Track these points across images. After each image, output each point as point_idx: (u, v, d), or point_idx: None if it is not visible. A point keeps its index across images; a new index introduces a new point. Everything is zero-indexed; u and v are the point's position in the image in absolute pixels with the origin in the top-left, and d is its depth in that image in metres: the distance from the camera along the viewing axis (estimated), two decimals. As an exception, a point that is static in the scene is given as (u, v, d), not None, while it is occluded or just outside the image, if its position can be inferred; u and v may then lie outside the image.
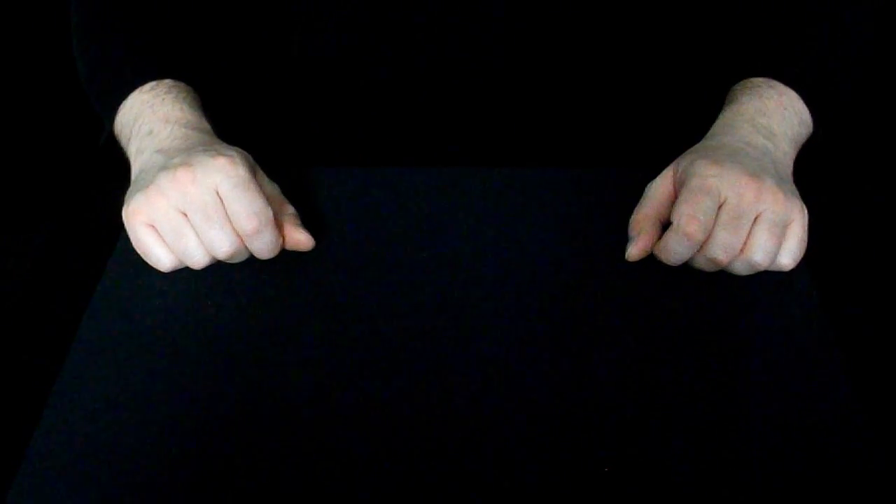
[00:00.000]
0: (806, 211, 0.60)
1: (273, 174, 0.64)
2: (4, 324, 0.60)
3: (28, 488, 0.49)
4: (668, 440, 0.51)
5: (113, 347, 0.57)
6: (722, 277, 0.61)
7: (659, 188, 0.64)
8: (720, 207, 0.59)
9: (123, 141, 0.67)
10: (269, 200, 0.60)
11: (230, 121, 0.70)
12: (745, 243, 0.59)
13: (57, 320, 0.60)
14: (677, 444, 0.51)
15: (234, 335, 0.58)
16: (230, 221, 0.59)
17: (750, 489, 0.49)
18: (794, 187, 0.63)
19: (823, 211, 0.63)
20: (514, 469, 0.50)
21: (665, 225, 0.62)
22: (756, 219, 0.59)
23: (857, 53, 0.74)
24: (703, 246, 0.59)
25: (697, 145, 0.65)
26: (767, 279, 0.61)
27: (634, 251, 0.62)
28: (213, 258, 0.60)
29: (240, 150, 0.62)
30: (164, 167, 0.59)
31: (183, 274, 0.61)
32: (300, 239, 0.62)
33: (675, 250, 0.60)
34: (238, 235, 0.59)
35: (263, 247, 0.60)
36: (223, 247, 0.59)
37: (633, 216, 0.64)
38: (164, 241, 0.59)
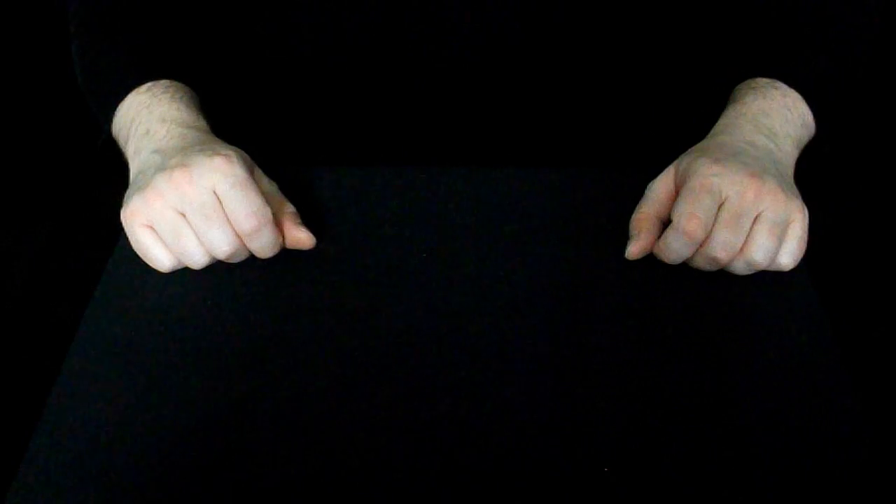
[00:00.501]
0: (806, 211, 0.60)
1: (273, 174, 0.64)
2: (4, 324, 0.60)
3: (28, 488, 0.49)
4: (667, 440, 0.51)
5: (113, 347, 0.57)
6: (722, 277, 0.61)
7: (660, 187, 0.64)
8: (720, 206, 0.59)
9: (121, 143, 0.67)
10: (267, 199, 0.60)
11: (230, 121, 0.70)
12: (744, 243, 0.59)
13: (57, 320, 0.60)
14: (677, 443, 0.51)
15: (234, 335, 0.58)
16: (229, 221, 0.59)
17: (750, 489, 0.49)
18: (794, 187, 0.63)
19: (823, 211, 0.63)
20: (513, 469, 0.50)
21: (665, 224, 0.62)
22: (756, 218, 0.59)
23: (859, 54, 0.74)
24: (702, 245, 0.59)
25: (699, 144, 0.65)
26: (767, 279, 0.61)
27: (634, 250, 0.62)
28: (213, 258, 0.60)
29: (237, 148, 0.62)
30: (161, 168, 0.59)
31: (183, 274, 0.61)
32: (301, 237, 0.62)
33: (674, 248, 0.60)
34: (237, 235, 0.59)
35: (263, 246, 0.60)
36: (222, 246, 0.59)
37: (633, 215, 0.64)
38: (162, 241, 0.59)
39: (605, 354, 0.56)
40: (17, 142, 1.12)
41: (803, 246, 0.60)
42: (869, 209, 0.71)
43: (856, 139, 0.96)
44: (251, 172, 0.61)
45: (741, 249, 0.59)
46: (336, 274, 0.62)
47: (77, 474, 0.49)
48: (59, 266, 0.66)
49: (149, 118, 0.65)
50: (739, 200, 0.58)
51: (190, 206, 0.58)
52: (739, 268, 0.60)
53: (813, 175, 0.67)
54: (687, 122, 0.72)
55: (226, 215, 0.58)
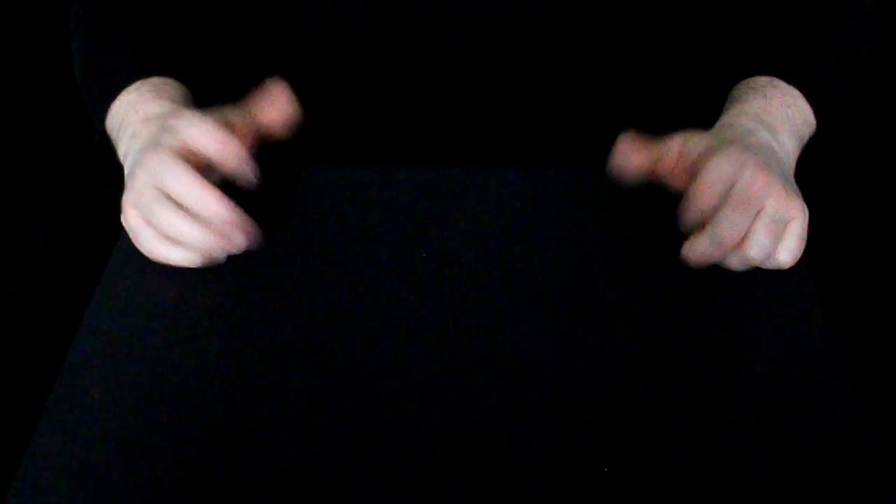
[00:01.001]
0: (807, 211, 0.60)
1: (273, 174, 0.64)
2: (4, 324, 0.60)
3: (28, 488, 0.49)
4: (668, 440, 0.51)
5: (113, 347, 0.57)
6: (722, 277, 0.61)
7: (668, 145, 0.63)
8: (732, 187, 0.58)
9: (115, 144, 0.68)
10: (227, 124, 0.61)
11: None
12: (743, 237, 0.59)
13: (57, 320, 0.60)
14: (677, 443, 0.51)
15: (234, 335, 0.58)
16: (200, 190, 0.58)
17: (750, 488, 0.49)
18: (795, 186, 0.63)
19: (823, 211, 0.63)
20: (513, 469, 0.50)
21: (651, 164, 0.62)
22: (758, 214, 0.59)
23: (858, 52, 0.74)
24: (710, 224, 0.59)
25: (712, 131, 0.65)
26: (767, 279, 0.61)
27: (622, 144, 0.62)
28: (204, 232, 0.59)
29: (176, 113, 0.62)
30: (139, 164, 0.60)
31: (183, 274, 0.61)
32: (274, 99, 0.63)
33: (700, 191, 0.58)
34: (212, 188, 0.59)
35: (235, 158, 0.60)
36: (207, 205, 0.58)
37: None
38: (150, 224, 0.59)
39: (605, 354, 0.56)
40: (16, 142, 1.12)
41: (802, 244, 0.60)
42: (869, 208, 0.71)
43: (856, 137, 0.96)
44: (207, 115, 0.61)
45: (740, 243, 0.59)
46: (336, 274, 0.62)
47: (77, 474, 0.49)
48: (59, 266, 0.66)
49: (135, 119, 0.65)
50: (750, 187, 0.58)
51: (159, 175, 0.58)
52: (734, 262, 0.60)
53: (813, 173, 0.67)
54: (687, 121, 0.72)
55: (195, 171, 0.58)
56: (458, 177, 0.70)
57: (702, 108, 0.72)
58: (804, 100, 0.68)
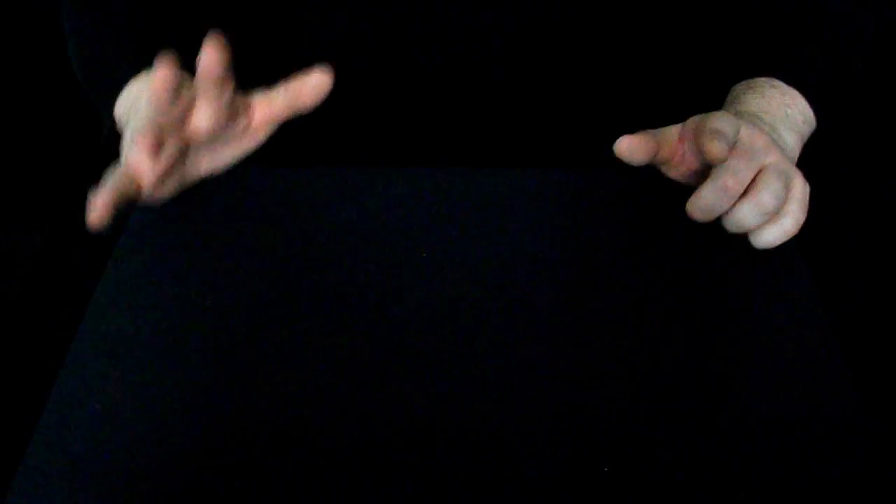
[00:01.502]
0: (807, 183, 0.60)
1: (273, 174, 0.64)
2: (4, 324, 0.60)
3: (28, 488, 0.49)
4: (667, 439, 0.51)
5: (113, 347, 0.57)
6: (721, 276, 0.61)
7: (668, 132, 0.63)
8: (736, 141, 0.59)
9: (122, 132, 0.67)
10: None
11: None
12: (752, 185, 0.58)
13: (57, 320, 0.60)
14: (677, 442, 0.51)
15: (234, 335, 0.58)
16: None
17: (750, 488, 0.49)
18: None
19: (823, 207, 0.63)
20: (513, 469, 0.50)
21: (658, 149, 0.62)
22: (763, 168, 0.58)
23: (858, 51, 0.74)
24: (715, 174, 0.58)
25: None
26: (767, 277, 0.61)
27: (625, 141, 0.61)
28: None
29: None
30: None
31: (183, 274, 0.61)
32: (311, 81, 0.62)
33: (717, 126, 0.58)
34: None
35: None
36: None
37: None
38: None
39: (605, 353, 0.56)
40: (17, 142, 1.12)
41: (805, 210, 0.60)
42: (869, 206, 0.71)
43: (856, 136, 0.96)
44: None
45: (748, 193, 0.58)
46: (336, 274, 0.62)
47: (77, 474, 0.49)
48: (59, 266, 0.66)
49: (143, 90, 0.65)
50: (752, 141, 0.58)
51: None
52: (748, 214, 0.59)
53: (813, 171, 0.67)
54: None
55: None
56: (458, 177, 0.70)
57: (701, 108, 0.72)
58: (803, 99, 0.68)
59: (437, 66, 0.78)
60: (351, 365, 0.55)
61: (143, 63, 0.69)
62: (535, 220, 0.66)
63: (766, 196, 0.58)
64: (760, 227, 0.59)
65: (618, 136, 0.83)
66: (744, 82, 0.70)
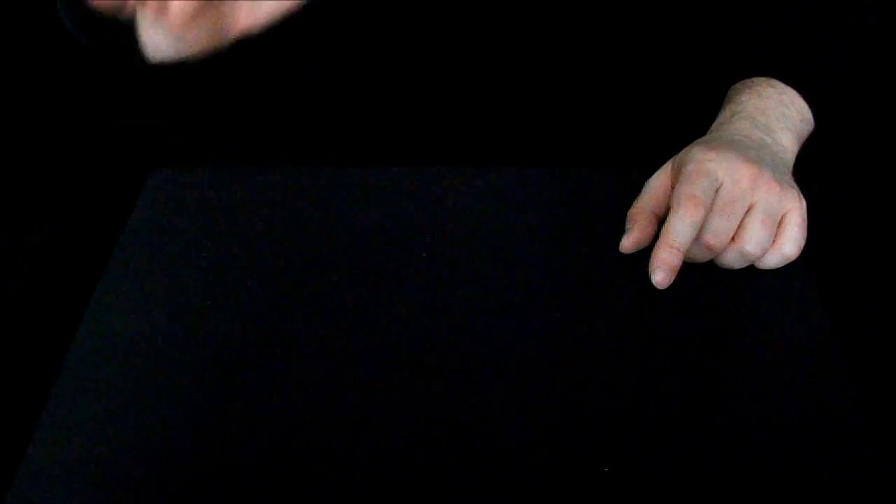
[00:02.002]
0: (804, 201, 0.60)
1: (273, 174, 0.64)
2: (4, 324, 0.60)
3: (28, 488, 0.49)
4: (668, 439, 0.51)
5: (113, 347, 0.57)
6: (721, 276, 0.61)
7: (656, 183, 0.64)
8: (716, 192, 0.59)
9: None
10: None
11: (229, 121, 0.70)
12: (737, 233, 0.59)
13: (57, 320, 0.60)
14: (677, 443, 0.51)
15: (234, 335, 0.58)
16: None
17: (751, 488, 0.49)
18: (791, 179, 0.63)
19: (824, 209, 0.63)
20: (513, 469, 0.50)
21: (661, 220, 0.62)
22: (750, 208, 0.59)
23: (857, 50, 0.74)
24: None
25: (697, 140, 0.65)
26: (767, 278, 0.61)
27: (628, 242, 0.62)
28: None
29: None
30: None
31: (183, 274, 0.61)
32: None
33: (678, 230, 0.59)
34: None
35: None
36: None
37: (629, 210, 0.64)
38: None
39: (605, 354, 0.56)
40: (17, 142, 1.12)
41: (804, 233, 0.60)
42: (869, 208, 0.71)
43: (856, 138, 0.96)
44: None
45: (734, 239, 0.59)
46: (336, 274, 0.62)
47: (77, 474, 0.49)
48: (59, 266, 0.66)
49: None
50: (734, 187, 0.59)
51: None
52: (732, 259, 0.60)
53: (813, 173, 0.67)
54: (686, 122, 0.72)
55: None
56: (458, 177, 0.70)
57: (700, 108, 0.72)
58: (801, 98, 0.68)
59: (438, 66, 0.78)
60: (351, 365, 0.55)
61: None
62: (536, 220, 0.66)
63: (749, 247, 0.59)
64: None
65: (617, 136, 0.83)
66: (741, 82, 0.70)
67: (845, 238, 0.67)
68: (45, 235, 0.67)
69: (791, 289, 0.61)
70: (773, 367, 0.55)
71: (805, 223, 0.60)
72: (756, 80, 0.69)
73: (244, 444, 0.51)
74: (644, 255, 0.61)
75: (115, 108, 0.97)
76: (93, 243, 0.65)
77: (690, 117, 0.72)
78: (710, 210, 0.59)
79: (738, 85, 0.70)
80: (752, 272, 0.61)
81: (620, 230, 0.64)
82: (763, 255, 0.60)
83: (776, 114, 0.67)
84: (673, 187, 0.62)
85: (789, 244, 0.60)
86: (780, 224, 0.60)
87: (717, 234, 0.58)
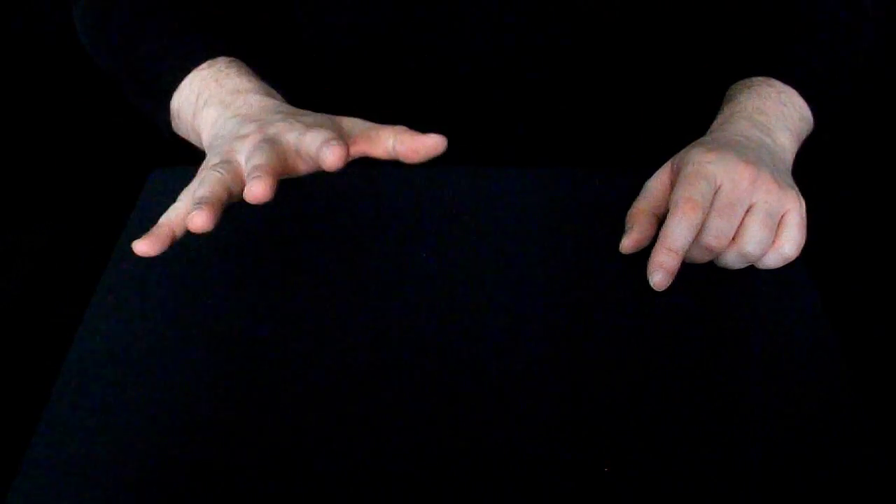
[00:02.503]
0: (803, 201, 0.60)
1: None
2: (4, 324, 0.60)
3: (28, 488, 0.49)
4: (668, 440, 0.51)
5: (113, 347, 0.57)
6: (722, 277, 0.61)
7: (656, 183, 0.64)
8: (715, 193, 0.59)
9: (185, 118, 0.67)
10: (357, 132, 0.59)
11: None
12: (737, 233, 0.59)
13: (57, 320, 0.60)
14: (677, 443, 0.51)
15: (234, 335, 0.58)
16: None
17: (750, 489, 0.49)
18: (791, 179, 0.63)
19: (824, 210, 0.63)
20: (514, 469, 0.50)
21: (661, 220, 0.62)
22: (749, 209, 0.59)
23: (857, 50, 0.74)
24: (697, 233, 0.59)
25: (696, 141, 0.65)
26: (767, 279, 0.61)
27: (628, 243, 0.62)
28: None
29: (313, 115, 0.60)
30: (238, 134, 0.58)
31: (183, 274, 0.61)
32: (427, 142, 0.58)
33: (676, 233, 0.59)
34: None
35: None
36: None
37: (629, 210, 0.64)
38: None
39: (605, 354, 0.56)
40: (19, 141, 1.12)
41: (803, 233, 0.60)
42: (869, 208, 0.71)
43: (856, 138, 0.96)
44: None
45: (734, 240, 0.59)
46: (336, 274, 0.62)
47: (77, 474, 0.49)
48: (59, 266, 0.66)
49: (219, 90, 0.64)
50: (733, 188, 0.59)
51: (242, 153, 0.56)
52: (732, 259, 0.60)
53: (812, 171, 0.67)
54: (686, 122, 0.72)
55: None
56: (458, 177, 0.70)
57: (701, 107, 0.72)
58: (800, 97, 0.68)
59: (438, 66, 0.78)
60: (351, 365, 0.55)
61: (196, 52, 0.68)
62: (536, 220, 0.66)
63: (749, 248, 0.59)
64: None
65: (617, 136, 0.83)
66: (740, 81, 0.70)
67: (845, 238, 0.67)
68: (45, 236, 0.67)
69: (790, 289, 0.61)
70: (773, 367, 0.55)
71: (804, 223, 0.60)
72: (755, 79, 0.70)
73: (244, 445, 0.51)
74: (644, 255, 0.61)
75: (115, 108, 0.97)
76: (93, 243, 0.65)
77: (690, 117, 0.72)
78: (708, 212, 0.59)
79: (737, 84, 0.70)
80: (751, 272, 0.61)
81: (620, 230, 0.64)
82: (763, 255, 0.60)
83: (775, 113, 0.67)
84: (672, 188, 0.62)
85: (789, 244, 0.60)
86: (779, 224, 0.60)
87: (717, 235, 0.58)
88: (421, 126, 0.81)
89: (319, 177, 0.71)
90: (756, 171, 0.59)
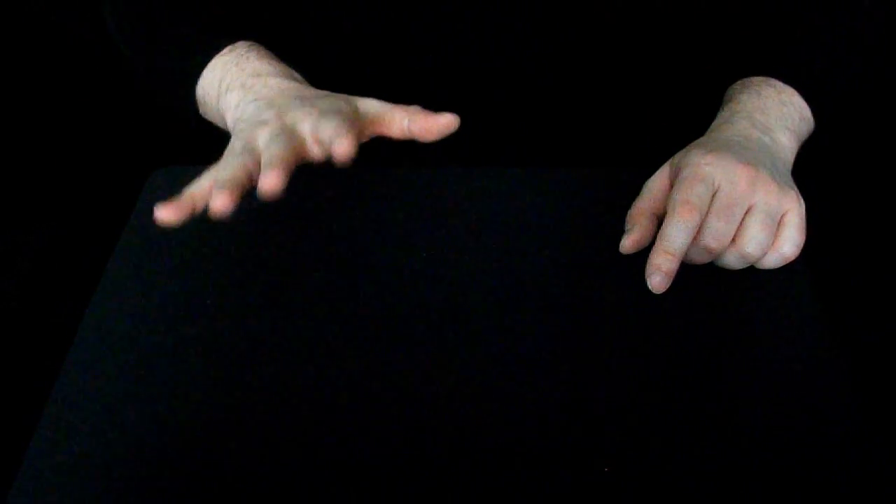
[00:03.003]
0: (802, 201, 0.60)
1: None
2: (4, 324, 0.60)
3: (28, 488, 0.49)
4: (668, 440, 0.51)
5: (113, 347, 0.57)
6: (721, 277, 0.61)
7: (655, 184, 0.64)
8: (713, 196, 0.59)
9: (211, 103, 0.68)
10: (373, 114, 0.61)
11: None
12: (736, 234, 0.59)
13: (57, 320, 0.60)
14: (677, 444, 0.51)
15: (234, 335, 0.58)
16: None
17: (750, 489, 0.49)
18: (790, 179, 0.63)
19: (824, 210, 0.63)
20: (514, 468, 0.50)
21: (661, 219, 0.63)
22: (749, 210, 0.59)
23: (857, 50, 0.74)
24: (695, 235, 0.59)
25: (695, 141, 0.65)
26: (767, 279, 0.61)
27: (628, 243, 0.62)
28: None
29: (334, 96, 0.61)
30: (258, 120, 0.59)
31: (183, 274, 0.61)
32: (441, 121, 0.60)
33: (673, 235, 0.59)
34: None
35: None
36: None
37: (629, 211, 0.64)
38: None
39: (605, 354, 0.56)
40: (18, 141, 1.12)
41: (802, 233, 0.60)
42: (869, 208, 0.71)
43: (856, 138, 0.96)
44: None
45: (733, 241, 0.59)
46: (337, 273, 0.62)
47: (77, 474, 0.50)
48: (59, 266, 0.66)
49: (240, 74, 0.66)
50: (731, 190, 0.59)
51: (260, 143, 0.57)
52: (732, 260, 0.60)
53: (812, 171, 0.67)
54: (686, 122, 0.72)
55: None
56: (458, 177, 0.70)
57: (701, 107, 0.72)
58: (800, 97, 0.68)
59: (438, 66, 0.78)
60: (351, 365, 0.55)
61: (218, 39, 0.70)
62: (536, 220, 0.66)
63: (749, 248, 0.59)
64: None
65: (617, 136, 0.83)
66: (740, 81, 0.70)
67: (844, 238, 0.67)
68: (45, 236, 0.67)
69: (790, 289, 0.61)
70: (773, 367, 0.55)
71: (804, 223, 0.60)
72: (755, 79, 0.70)
73: (244, 444, 0.51)
74: (644, 255, 0.61)
75: (115, 109, 0.97)
76: (93, 243, 0.65)
77: (690, 117, 0.72)
78: (706, 214, 0.59)
79: (737, 84, 0.70)
80: (751, 272, 0.61)
81: (620, 230, 0.64)
82: (763, 256, 0.60)
83: (775, 113, 0.67)
84: (671, 189, 0.62)
85: (788, 245, 0.60)
86: (778, 225, 0.60)
87: (717, 237, 0.59)
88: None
89: (320, 176, 0.71)
90: (755, 172, 0.59)
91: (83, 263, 0.64)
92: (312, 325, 0.58)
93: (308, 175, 0.70)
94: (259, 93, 0.63)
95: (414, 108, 0.60)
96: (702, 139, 0.65)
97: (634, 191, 0.65)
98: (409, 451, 0.51)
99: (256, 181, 0.56)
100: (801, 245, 0.60)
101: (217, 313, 0.59)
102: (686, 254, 0.60)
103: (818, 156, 0.70)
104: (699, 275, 0.61)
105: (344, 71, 0.80)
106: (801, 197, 0.61)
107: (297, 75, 0.66)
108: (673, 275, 0.59)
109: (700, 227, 0.59)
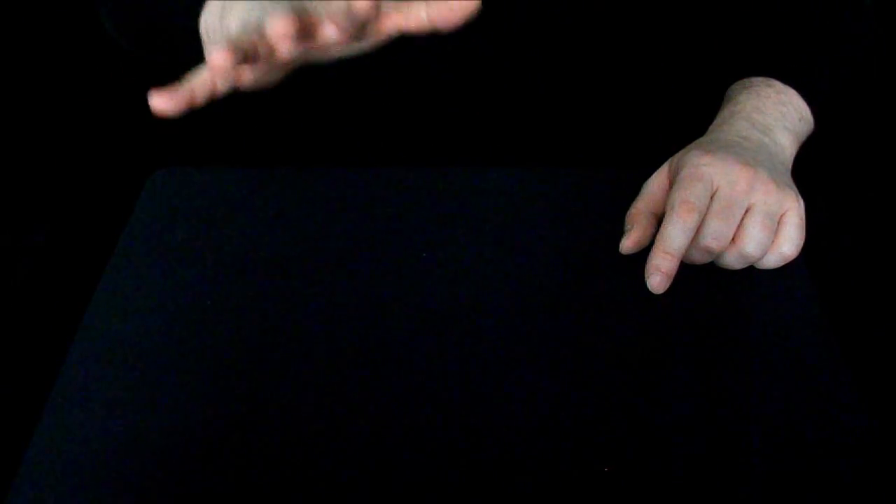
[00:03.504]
0: (801, 201, 0.60)
1: (273, 174, 0.64)
2: (4, 324, 0.60)
3: (28, 488, 0.49)
4: (668, 440, 0.51)
5: (113, 347, 0.57)
6: (721, 277, 0.61)
7: (655, 183, 0.64)
8: (712, 196, 0.59)
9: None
10: None
11: (230, 120, 0.70)
12: (736, 234, 0.59)
13: (57, 320, 0.60)
14: (677, 443, 0.51)
15: (234, 335, 0.58)
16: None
17: (751, 488, 0.49)
18: (789, 179, 0.63)
19: (823, 209, 0.63)
20: (514, 469, 0.50)
21: (660, 219, 0.63)
22: (748, 210, 0.59)
23: (857, 50, 0.74)
24: (694, 235, 0.59)
25: (694, 142, 0.65)
26: (767, 279, 0.61)
27: (628, 243, 0.62)
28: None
29: None
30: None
31: (183, 274, 0.61)
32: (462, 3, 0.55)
33: (673, 236, 0.59)
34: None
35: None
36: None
37: (628, 211, 0.64)
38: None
39: (605, 354, 0.56)
40: (17, 141, 1.12)
41: (802, 233, 0.60)
42: (869, 208, 0.71)
43: (856, 138, 0.96)
44: None
45: (733, 241, 0.59)
46: (336, 274, 0.62)
47: (77, 474, 0.50)
48: (59, 266, 0.66)
49: None
50: (730, 190, 0.59)
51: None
52: (732, 260, 0.60)
53: (812, 171, 0.67)
54: (685, 122, 0.72)
55: None
56: (458, 177, 0.70)
57: (700, 107, 0.72)
58: (800, 98, 0.68)
59: (438, 66, 0.78)
60: (351, 365, 0.55)
61: None
62: (535, 220, 0.66)
63: (749, 248, 0.59)
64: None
65: (616, 136, 0.83)
66: (740, 81, 0.70)
67: (844, 238, 0.67)
68: (45, 236, 0.67)
69: (790, 288, 0.61)
70: (773, 367, 0.55)
71: (803, 223, 0.60)
72: (755, 79, 0.70)
73: (244, 444, 0.51)
74: (644, 255, 0.61)
75: (116, 109, 0.97)
76: (93, 243, 0.65)
77: (690, 117, 0.72)
78: (705, 214, 0.59)
79: (736, 85, 0.71)
80: (751, 272, 0.61)
81: (620, 230, 0.64)
82: (762, 255, 0.60)
83: (775, 113, 0.67)
84: (670, 189, 0.62)
85: (788, 244, 0.60)
86: (778, 224, 0.60)
87: (716, 237, 0.59)
88: (420, 126, 0.82)
89: (319, 177, 0.71)
90: (753, 173, 0.59)
91: (83, 263, 0.64)
92: (312, 325, 0.58)
93: (308, 175, 0.71)
94: None
95: None
96: (701, 139, 0.66)
97: (634, 191, 0.65)
98: (409, 451, 0.51)
99: (261, 56, 0.52)
100: (801, 245, 0.60)
101: (217, 313, 0.59)
102: (686, 254, 0.60)
103: (818, 156, 0.70)
104: (699, 275, 0.61)
105: (344, 71, 0.80)
106: (800, 197, 0.61)
107: None
108: (672, 275, 0.59)
109: (699, 228, 0.59)
